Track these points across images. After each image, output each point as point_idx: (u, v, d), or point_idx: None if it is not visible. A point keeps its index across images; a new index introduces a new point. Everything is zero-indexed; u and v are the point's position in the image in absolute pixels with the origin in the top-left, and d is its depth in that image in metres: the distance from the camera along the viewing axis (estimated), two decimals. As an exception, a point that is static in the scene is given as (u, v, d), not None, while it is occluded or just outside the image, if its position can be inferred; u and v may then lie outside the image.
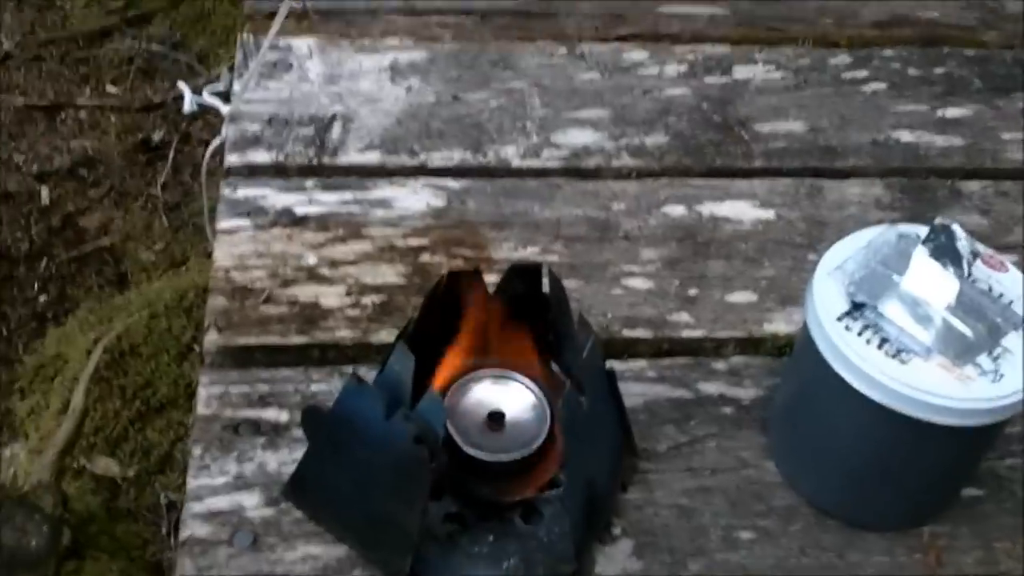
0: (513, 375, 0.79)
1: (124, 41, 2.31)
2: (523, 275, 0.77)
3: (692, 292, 0.95)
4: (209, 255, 1.99)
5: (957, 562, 0.79)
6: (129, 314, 1.86)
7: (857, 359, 0.70)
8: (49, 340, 1.90)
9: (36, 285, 1.98)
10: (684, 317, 0.93)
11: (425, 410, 0.67)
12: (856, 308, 0.73)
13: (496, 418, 0.77)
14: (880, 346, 0.71)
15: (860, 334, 0.71)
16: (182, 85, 1.06)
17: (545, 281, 0.77)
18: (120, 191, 2.12)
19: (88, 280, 1.99)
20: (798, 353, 0.80)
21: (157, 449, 1.69)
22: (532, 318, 0.80)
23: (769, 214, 1.02)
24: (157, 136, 2.18)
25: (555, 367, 0.83)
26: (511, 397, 0.78)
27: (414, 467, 0.68)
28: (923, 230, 0.75)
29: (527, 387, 0.78)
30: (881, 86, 1.17)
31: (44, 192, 2.12)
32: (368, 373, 0.85)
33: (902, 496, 0.79)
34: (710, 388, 0.88)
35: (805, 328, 0.75)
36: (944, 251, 0.72)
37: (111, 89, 2.27)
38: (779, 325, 0.93)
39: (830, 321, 0.72)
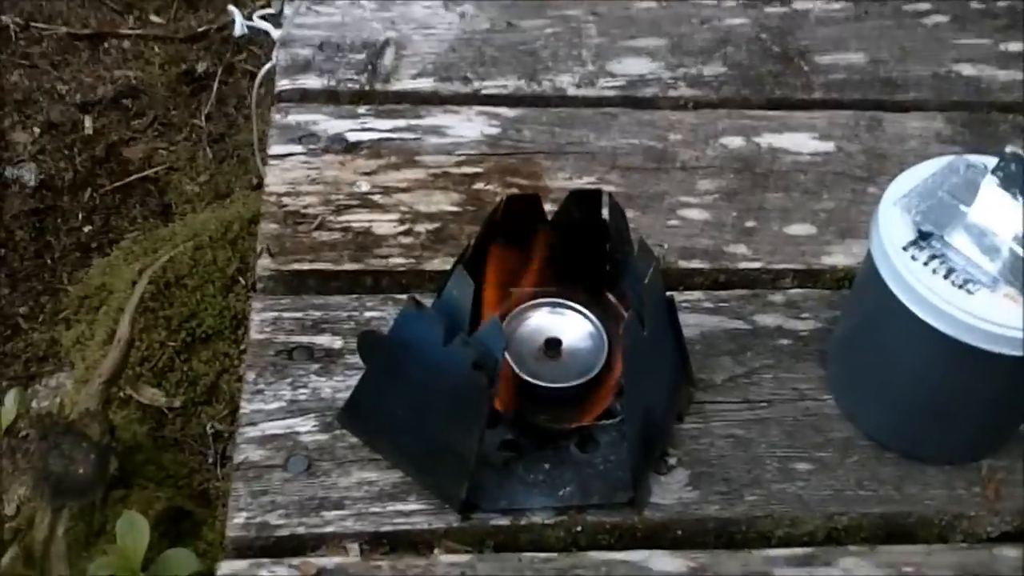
0: (570, 304, 0.78)
1: (168, -30, 2.30)
2: (582, 202, 0.76)
3: (749, 224, 0.93)
4: (255, 187, 2.00)
5: (1015, 495, 0.78)
6: (174, 245, 1.86)
7: (923, 289, 0.69)
8: (94, 271, 1.91)
9: (80, 215, 1.98)
10: (741, 249, 0.92)
11: (484, 336, 0.66)
12: (922, 237, 0.71)
13: (553, 345, 0.76)
14: (946, 276, 0.69)
15: (926, 264, 0.70)
16: (232, 8, 1.05)
17: (605, 208, 0.76)
18: (164, 122, 2.12)
19: (132, 211, 1.99)
20: (861, 284, 0.79)
21: (203, 380, 1.70)
22: (589, 246, 0.79)
23: (828, 146, 1.00)
24: (201, 67, 2.17)
25: (611, 297, 0.82)
26: (568, 325, 0.77)
27: (472, 393, 0.68)
28: (991, 160, 0.73)
29: (584, 316, 0.78)
30: (943, 19, 1.14)
31: (87, 122, 2.11)
32: (423, 299, 0.85)
33: (962, 429, 0.78)
34: (767, 320, 0.87)
35: (869, 258, 0.74)
36: (1014, 181, 0.70)
37: (155, 19, 2.26)
38: (838, 258, 0.91)
39: (896, 250, 0.71)
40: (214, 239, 1.85)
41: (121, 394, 1.65)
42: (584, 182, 0.95)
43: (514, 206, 0.74)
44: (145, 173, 2.04)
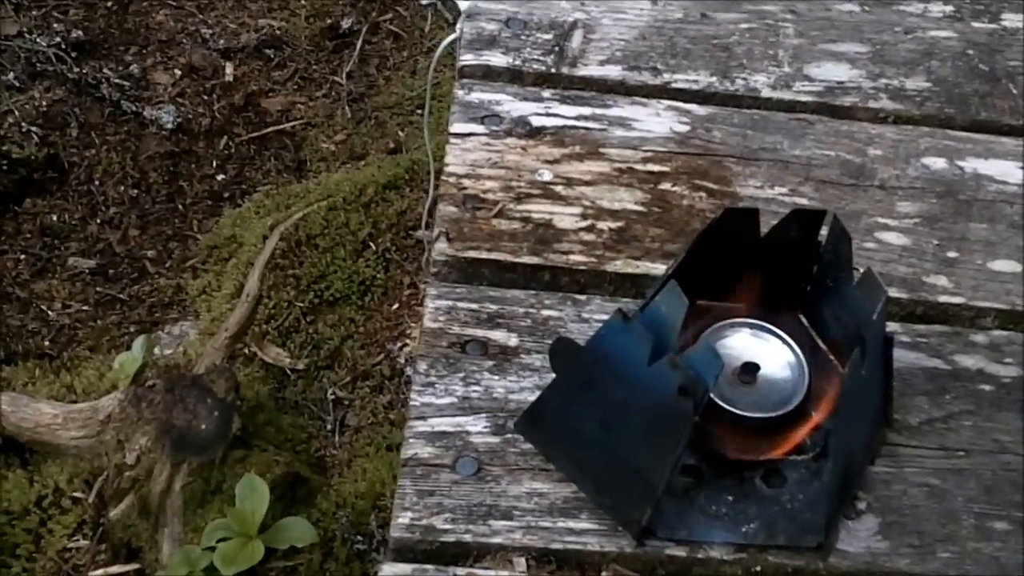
0: (773, 329, 0.73)
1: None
2: (803, 222, 0.71)
3: (951, 254, 0.88)
4: (391, 151, 1.97)
5: None
6: (307, 203, 1.84)
7: None
8: (224, 221, 1.89)
9: (214, 163, 1.97)
10: (942, 281, 0.86)
11: (697, 360, 0.62)
12: None
13: (749, 371, 0.71)
14: None
15: None
16: (422, -25, 1.00)
17: (825, 230, 0.71)
18: (304, 76, 2.10)
19: (266, 163, 1.98)
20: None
21: (327, 344, 1.68)
22: (794, 266, 0.74)
23: (1038, 178, 0.94)
24: (346, 23, 2.15)
25: (803, 319, 0.77)
26: (768, 352, 0.73)
27: (674, 418, 0.64)
28: None
29: (786, 343, 0.73)
30: None
31: (228, 69, 2.10)
32: (603, 304, 0.81)
33: None
34: (968, 361, 0.81)
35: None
36: None
37: (304, -30, 2.24)
38: (1046, 301, 0.85)
39: None
40: (348, 201, 1.82)
41: (246, 351, 1.64)
42: (775, 192, 0.90)
43: (730, 219, 0.69)
44: (282, 126, 2.02)
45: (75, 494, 1.49)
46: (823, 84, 0.99)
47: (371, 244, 1.78)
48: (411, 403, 0.77)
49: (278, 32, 2.14)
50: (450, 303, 0.81)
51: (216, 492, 1.45)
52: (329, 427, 1.60)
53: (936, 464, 0.76)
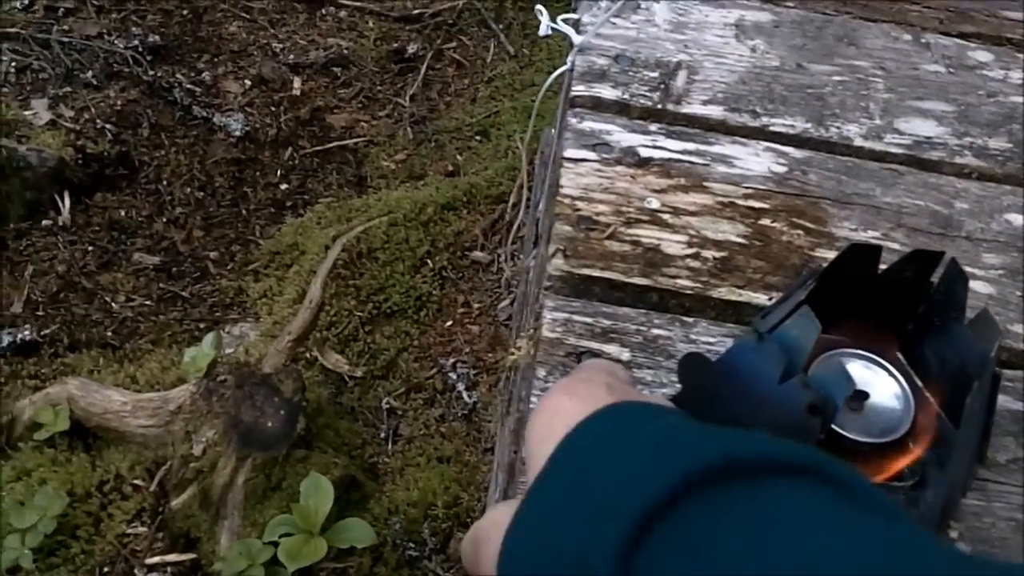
0: (883, 362, 0.78)
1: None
2: (919, 262, 0.76)
3: (1034, 305, 0.93)
4: (449, 173, 2.03)
5: None
6: (368, 217, 1.90)
7: None
8: (286, 228, 1.96)
9: (279, 172, 2.04)
10: (1025, 330, 0.91)
11: (829, 379, 0.67)
12: None
13: (859, 398, 0.76)
14: None
15: None
16: (540, 8, 1.06)
17: (940, 271, 0.76)
18: (369, 95, 2.16)
19: (328, 176, 2.04)
20: None
21: (384, 354, 1.74)
22: (900, 304, 0.79)
23: (1114, 241, 0.99)
24: (412, 48, 2.22)
25: (901, 358, 0.82)
26: (876, 381, 0.77)
27: (801, 436, 0.68)
28: None
29: (894, 376, 0.77)
30: None
31: (296, 83, 2.17)
32: (708, 327, 0.86)
33: None
34: (1050, 407, 0.86)
35: None
36: None
37: (374, -7, 2.31)
38: (1120, 356, 0.90)
39: None
40: (407, 218, 1.89)
41: (307, 355, 1.69)
42: (869, 236, 0.95)
43: (853, 254, 0.74)
44: (345, 142, 2.09)
45: (136, 481, 1.54)
46: (911, 138, 1.04)
47: (428, 261, 1.84)
48: (531, 406, 0.81)
49: (346, 52, 2.21)
50: (566, 316, 0.86)
51: (276, 489, 1.50)
52: (383, 435, 1.65)
53: (1022, 500, 0.80)
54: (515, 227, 1.85)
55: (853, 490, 0.50)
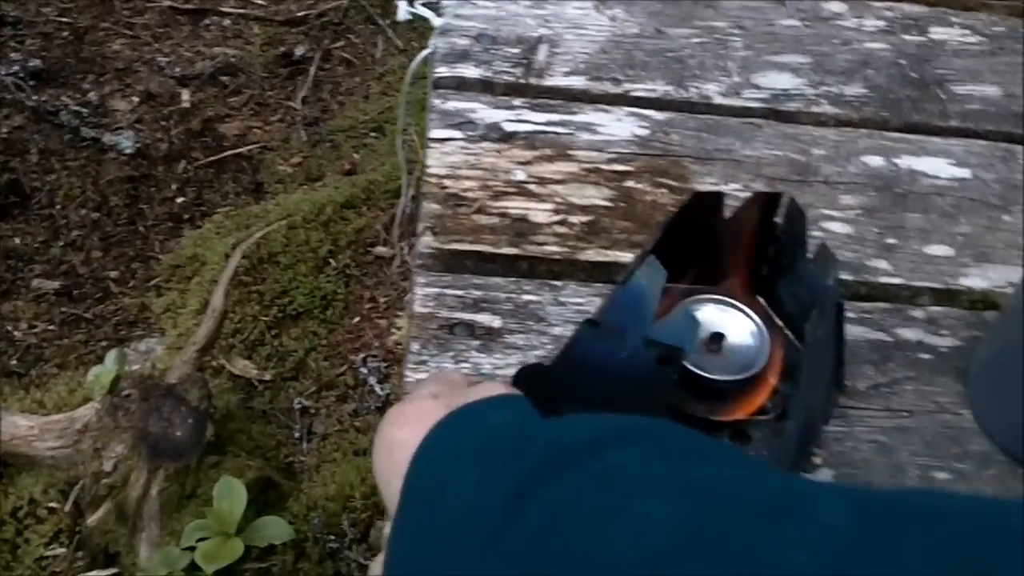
0: (736, 303, 0.80)
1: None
2: (762, 205, 0.78)
3: (890, 240, 0.96)
4: (346, 172, 2.04)
5: None
6: (267, 223, 1.90)
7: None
8: (186, 241, 1.95)
9: (174, 186, 2.03)
10: (883, 264, 0.94)
11: (675, 324, 0.69)
12: (1089, 265, 0.74)
13: (716, 339, 0.79)
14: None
15: (1093, 290, 0.73)
16: (397, -7, 1.08)
17: (781, 211, 0.79)
18: (260, 102, 2.17)
19: (225, 186, 2.04)
20: (1017, 304, 0.82)
21: (292, 356, 1.74)
22: (753, 248, 0.82)
23: (965, 173, 1.03)
24: (299, 51, 2.22)
25: (761, 301, 0.85)
26: (732, 322, 0.80)
27: (659, 388, 0.70)
28: None
29: (747, 315, 0.80)
30: (1074, 59, 1.17)
31: (185, 95, 2.16)
32: (577, 288, 0.88)
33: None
34: (908, 334, 0.90)
35: (1031, 281, 0.76)
36: None
37: None
38: (974, 280, 0.94)
39: (1063, 275, 0.73)
40: (307, 220, 1.89)
41: (213, 364, 1.69)
42: (731, 188, 0.98)
43: (697, 202, 0.77)
44: (239, 150, 2.09)
45: (51, 504, 1.53)
46: (769, 92, 1.08)
47: (331, 261, 1.85)
48: (405, 379, 0.83)
49: (233, 60, 2.21)
50: (437, 290, 0.88)
51: (191, 497, 1.50)
52: (297, 435, 1.66)
53: (883, 424, 0.84)
54: (416, 219, 1.87)
55: (668, 444, 0.53)
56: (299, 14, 2.28)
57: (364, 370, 1.73)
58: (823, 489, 0.50)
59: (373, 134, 2.11)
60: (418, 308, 0.88)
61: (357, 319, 1.80)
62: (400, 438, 0.59)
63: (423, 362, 0.84)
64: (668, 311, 0.81)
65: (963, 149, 1.05)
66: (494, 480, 0.52)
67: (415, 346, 0.85)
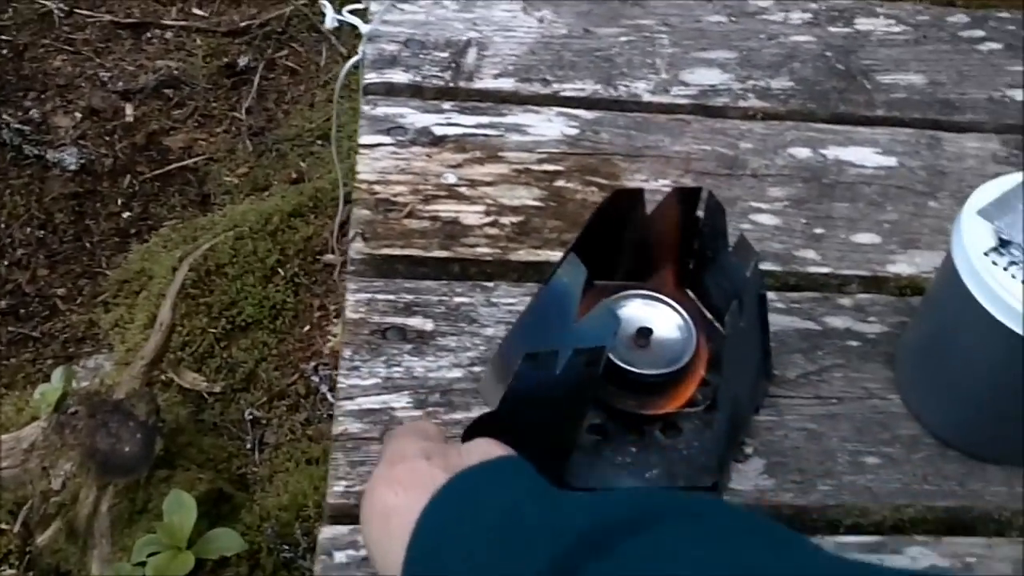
0: (662, 297, 0.81)
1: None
2: (683, 200, 0.79)
3: (818, 230, 0.98)
4: (293, 181, 2.03)
5: (1073, 497, 0.83)
6: (214, 235, 1.89)
7: (1002, 292, 0.73)
8: (133, 256, 1.94)
9: (119, 201, 2.02)
10: (811, 254, 0.96)
11: (596, 319, 0.70)
12: (1003, 245, 0.75)
13: (644, 334, 0.80)
14: (1024, 282, 0.73)
15: (1006, 269, 0.74)
16: (324, 1, 1.08)
17: (701, 205, 0.80)
18: (204, 113, 2.15)
19: (171, 199, 2.03)
20: (938, 289, 0.83)
21: (242, 367, 1.74)
22: (677, 243, 0.83)
23: (891, 161, 1.04)
24: (243, 61, 2.21)
25: (691, 294, 0.86)
26: (658, 316, 0.81)
27: (588, 389, 0.71)
28: (1070, 177, 0.77)
29: (674, 309, 0.81)
30: (996, 46, 1.19)
31: (129, 110, 2.15)
32: (509, 288, 0.88)
33: (1026, 431, 0.82)
34: (836, 322, 0.91)
35: (947, 264, 0.78)
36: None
37: (197, 11, 2.30)
38: (901, 267, 0.96)
39: (977, 255, 0.75)
40: (254, 230, 1.89)
41: (163, 377, 1.69)
42: (660, 184, 0.99)
43: (619, 200, 0.78)
44: (184, 163, 2.08)
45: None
46: (697, 88, 1.09)
47: (280, 270, 1.85)
48: (339, 385, 0.83)
49: (176, 72, 2.20)
50: (369, 296, 0.88)
51: (143, 512, 1.49)
52: (249, 446, 1.65)
53: (813, 411, 0.85)
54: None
55: (707, 522, 0.51)
56: (241, 24, 2.28)
57: (316, 378, 1.73)
58: (872, 571, 0.50)
59: (319, 142, 2.11)
60: (350, 314, 0.88)
61: (307, 327, 1.80)
62: (396, 505, 0.56)
63: (356, 368, 0.85)
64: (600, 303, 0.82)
65: (889, 138, 1.07)
66: (519, 561, 0.49)
67: (347, 352, 0.86)
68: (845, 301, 0.93)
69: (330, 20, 1.08)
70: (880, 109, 1.10)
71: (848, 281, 0.95)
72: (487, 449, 0.61)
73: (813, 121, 1.08)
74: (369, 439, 0.80)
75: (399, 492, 0.57)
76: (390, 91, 1.05)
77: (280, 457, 1.63)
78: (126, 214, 2.01)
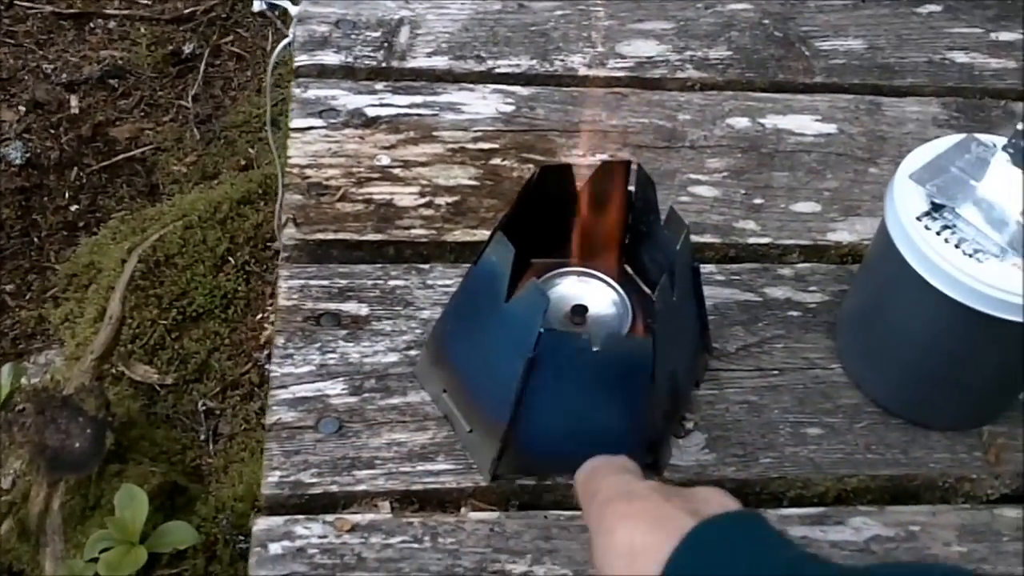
0: (596, 273, 0.80)
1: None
2: (611, 174, 0.78)
3: (757, 201, 0.97)
4: (242, 168, 2.01)
5: (1015, 459, 0.82)
6: (163, 225, 1.87)
7: (935, 256, 0.72)
8: (81, 249, 1.92)
9: (67, 194, 1.99)
10: (750, 225, 0.95)
11: (525, 299, 0.69)
12: (935, 209, 0.74)
13: (579, 311, 0.79)
14: (957, 246, 0.73)
15: (939, 233, 0.73)
16: (251, -16, 1.06)
17: (632, 179, 0.79)
18: (150, 102, 2.13)
19: (119, 190, 2.00)
20: (873, 255, 0.82)
21: (194, 358, 1.71)
22: (611, 218, 0.82)
23: (831, 128, 1.03)
24: (188, 48, 2.18)
25: (628, 269, 0.85)
26: (593, 293, 0.80)
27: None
28: (1001, 140, 0.76)
29: (608, 284, 0.80)
30: (936, 8, 1.18)
31: (73, 101, 2.12)
32: (445, 270, 0.87)
33: (966, 396, 0.81)
34: (777, 293, 0.90)
35: (882, 230, 0.77)
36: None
37: None
38: (842, 235, 0.95)
39: (910, 220, 0.74)
40: (203, 219, 1.86)
41: (113, 371, 1.66)
42: (597, 159, 0.97)
43: (547, 177, 0.77)
44: (132, 153, 2.05)
45: (-49, 528, 1.50)
46: (634, 60, 1.08)
47: (230, 259, 1.82)
48: (271, 374, 0.82)
49: (120, 62, 2.17)
50: (302, 282, 0.87)
51: (95, 507, 1.47)
52: (203, 437, 1.63)
53: (754, 383, 0.84)
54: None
55: None
56: (185, 11, 2.24)
57: (269, 367, 1.71)
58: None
59: (267, 128, 2.08)
60: (282, 301, 0.87)
61: (259, 316, 1.78)
62: (644, 545, 0.56)
63: (289, 355, 0.83)
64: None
65: (828, 104, 1.06)
66: None
67: (280, 340, 0.84)
68: (785, 271, 0.92)
69: (258, 4, 1.06)
70: (819, 76, 1.09)
71: (788, 251, 0.94)
72: (723, 501, 0.60)
73: (752, 90, 1.07)
74: (304, 428, 0.79)
75: (646, 532, 0.57)
76: (321, 73, 1.03)
77: (235, 447, 1.62)
78: (74, 207, 1.98)
